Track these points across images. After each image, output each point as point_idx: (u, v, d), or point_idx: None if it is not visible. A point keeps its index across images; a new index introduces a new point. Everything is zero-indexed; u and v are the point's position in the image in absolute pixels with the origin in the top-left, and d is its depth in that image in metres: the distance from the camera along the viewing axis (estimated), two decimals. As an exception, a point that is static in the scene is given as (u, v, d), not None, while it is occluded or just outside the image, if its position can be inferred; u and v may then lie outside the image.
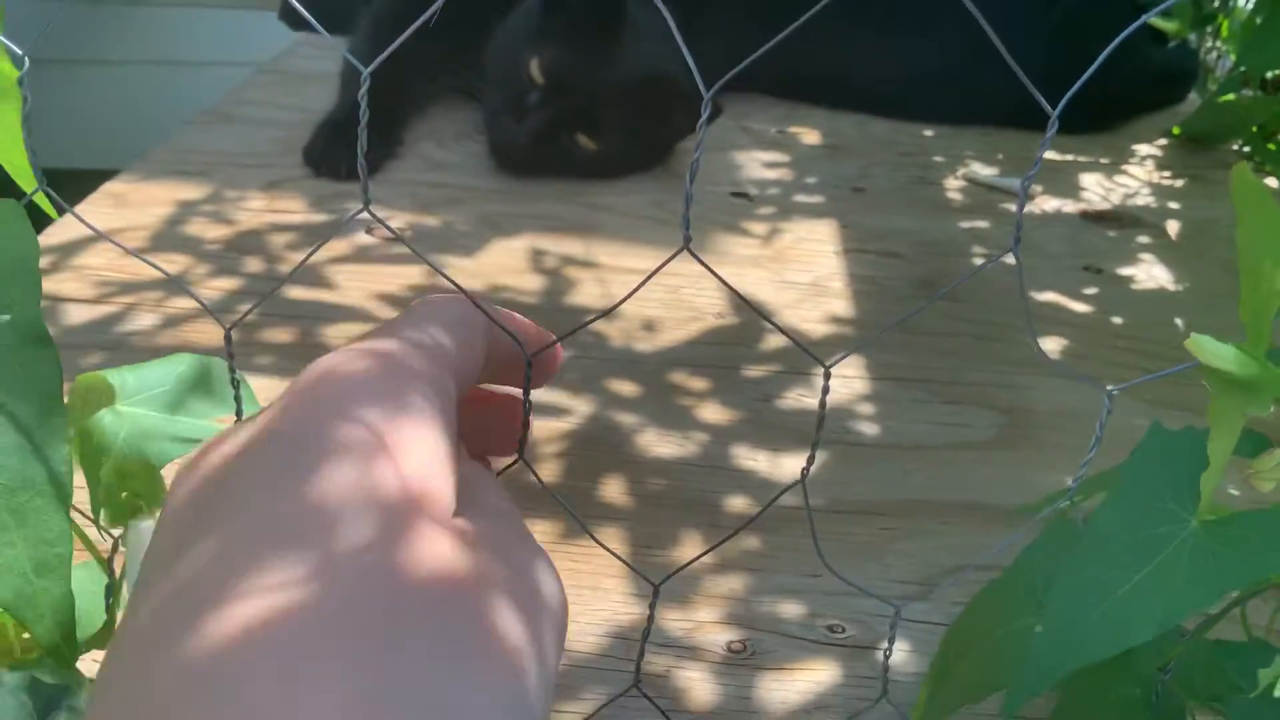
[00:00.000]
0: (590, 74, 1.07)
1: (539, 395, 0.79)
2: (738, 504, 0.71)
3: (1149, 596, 0.40)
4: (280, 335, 0.84)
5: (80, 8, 2.23)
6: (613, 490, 0.71)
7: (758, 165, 1.19)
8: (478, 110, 1.20)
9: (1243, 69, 1.33)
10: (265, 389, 0.77)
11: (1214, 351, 0.36)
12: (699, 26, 1.26)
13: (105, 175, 1.05)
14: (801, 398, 0.82)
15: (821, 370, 0.37)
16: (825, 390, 0.39)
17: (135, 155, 1.10)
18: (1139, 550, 0.41)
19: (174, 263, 0.92)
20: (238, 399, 0.44)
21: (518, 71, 1.08)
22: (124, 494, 0.40)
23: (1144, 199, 1.18)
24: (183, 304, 0.86)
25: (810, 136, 1.27)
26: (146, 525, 0.40)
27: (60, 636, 0.35)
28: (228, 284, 0.90)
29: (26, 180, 0.46)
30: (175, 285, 0.88)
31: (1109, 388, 0.42)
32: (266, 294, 0.40)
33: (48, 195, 0.41)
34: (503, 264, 0.97)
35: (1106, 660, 0.38)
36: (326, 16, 1.45)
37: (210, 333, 0.83)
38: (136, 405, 0.45)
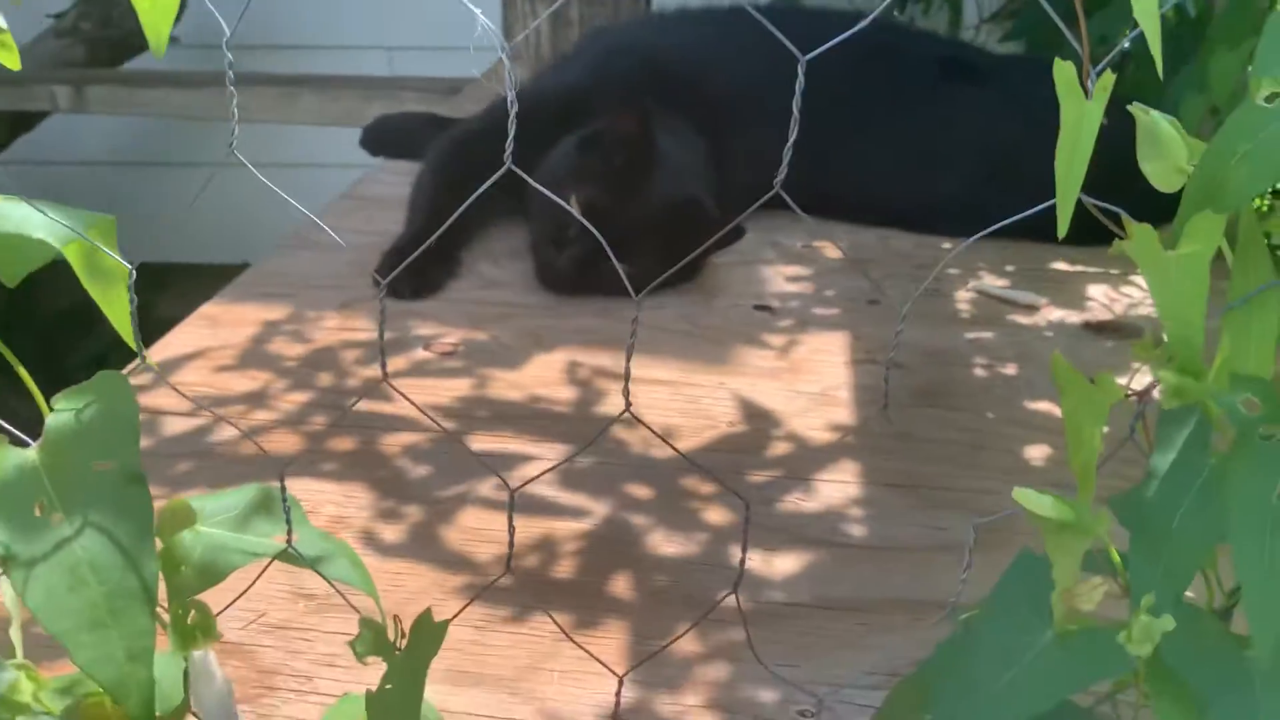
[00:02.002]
0: (624, 206, 1.20)
1: (564, 498, 0.91)
2: (731, 599, 0.80)
3: (1013, 694, 0.49)
4: (345, 444, 0.96)
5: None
6: (620, 586, 0.81)
7: (782, 279, 1.30)
8: (527, 229, 1.33)
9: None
10: (330, 493, 0.90)
11: (1036, 502, 0.46)
12: (727, 149, 1.39)
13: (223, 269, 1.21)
14: (799, 502, 0.91)
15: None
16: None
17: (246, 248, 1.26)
18: (1006, 655, 0.50)
19: (257, 379, 1.05)
20: (289, 523, 0.55)
21: (559, 205, 1.20)
22: (190, 622, 0.52)
23: (1147, 308, 1.25)
24: (263, 416, 1.00)
25: (833, 250, 1.38)
26: (201, 655, 0.52)
27: (144, 713, 0.47)
28: (301, 397, 1.03)
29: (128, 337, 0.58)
30: (255, 399, 1.01)
31: (976, 520, 0.52)
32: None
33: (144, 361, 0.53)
34: (541, 376, 1.08)
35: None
36: (401, 144, 1.61)
37: (284, 442, 0.96)
38: (211, 526, 0.57)
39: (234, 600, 0.60)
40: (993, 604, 0.52)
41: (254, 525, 0.59)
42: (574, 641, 0.60)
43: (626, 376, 0.51)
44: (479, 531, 0.86)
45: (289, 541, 0.56)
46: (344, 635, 0.75)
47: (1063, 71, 0.43)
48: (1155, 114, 0.46)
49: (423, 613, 0.54)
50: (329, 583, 0.57)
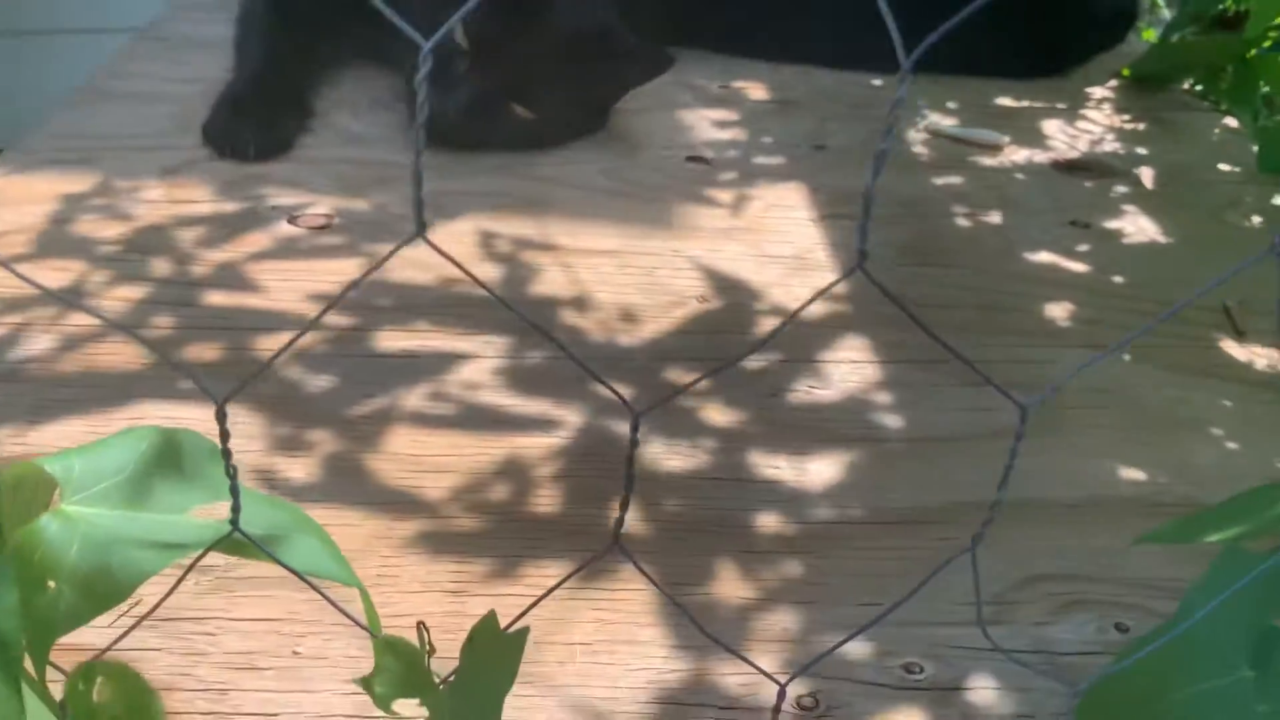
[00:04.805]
0: (520, 35, 0.96)
1: (521, 406, 0.69)
2: (770, 522, 0.62)
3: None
4: (205, 352, 0.72)
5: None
6: (626, 517, 0.62)
7: (708, 125, 1.09)
8: (393, 75, 1.07)
9: (1189, 7, 1.28)
10: (201, 420, 0.65)
11: None
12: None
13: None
14: (813, 390, 0.73)
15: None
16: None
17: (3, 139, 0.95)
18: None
19: (67, 270, 0.78)
20: (234, 490, 0.33)
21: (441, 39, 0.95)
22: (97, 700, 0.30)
23: (1110, 145, 1.12)
24: (84, 320, 0.73)
25: (756, 91, 1.18)
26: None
27: None
28: (134, 292, 0.77)
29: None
30: (68, 297, 0.75)
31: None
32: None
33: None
34: (450, 251, 0.85)
35: None
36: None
37: (124, 354, 0.70)
38: (89, 502, 0.34)
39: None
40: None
41: (158, 495, 0.36)
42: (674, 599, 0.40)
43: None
44: (417, 459, 0.64)
45: (234, 519, 0.34)
46: (262, 622, 0.53)
47: None
48: None
49: (485, 617, 0.33)
50: (304, 583, 0.35)
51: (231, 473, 0.31)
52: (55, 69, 1.87)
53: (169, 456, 0.36)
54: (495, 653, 0.32)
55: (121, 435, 0.36)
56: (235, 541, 0.33)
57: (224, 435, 0.31)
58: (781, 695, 0.36)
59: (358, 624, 0.33)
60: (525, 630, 0.32)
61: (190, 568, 0.34)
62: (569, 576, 0.36)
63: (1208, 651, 0.38)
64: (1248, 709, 0.37)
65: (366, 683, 0.32)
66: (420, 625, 0.34)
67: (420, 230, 0.29)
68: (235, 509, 0.32)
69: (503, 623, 0.35)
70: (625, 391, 0.72)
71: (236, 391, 0.31)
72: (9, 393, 0.66)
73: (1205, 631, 0.38)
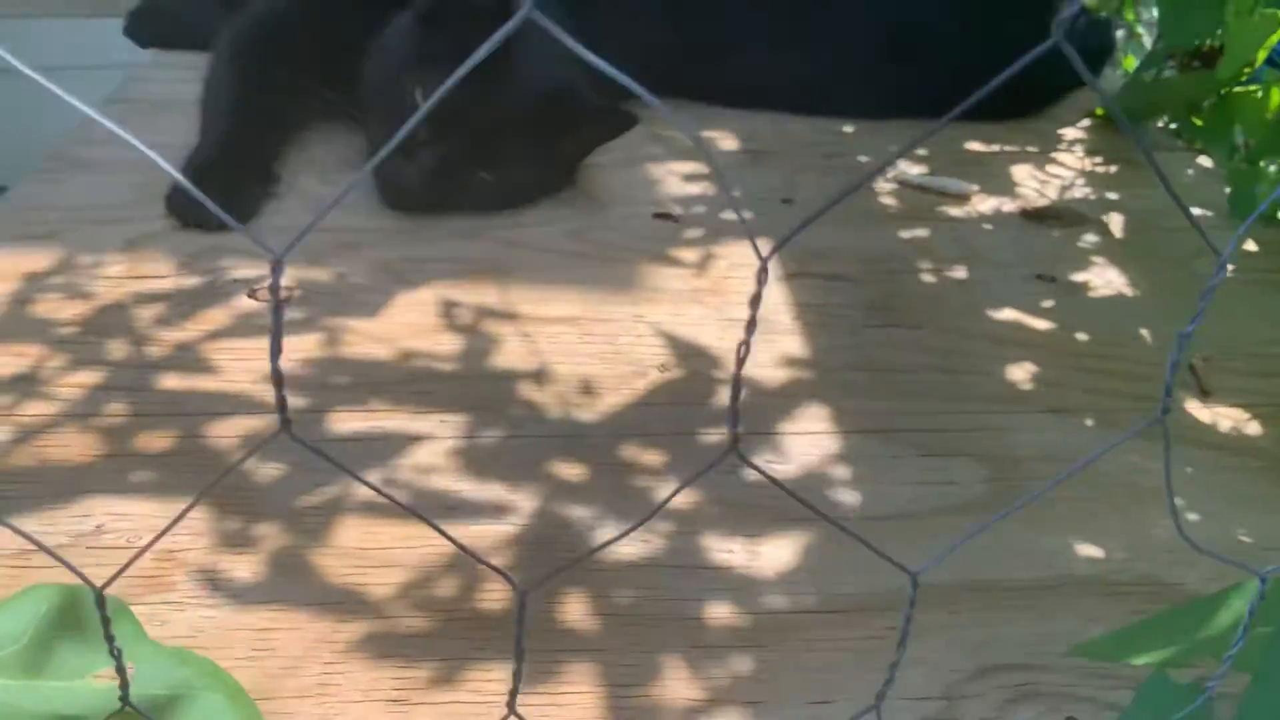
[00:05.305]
0: (483, 98, 0.95)
1: (472, 491, 0.69)
2: (721, 613, 0.62)
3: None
4: (157, 441, 0.71)
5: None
6: (575, 610, 0.61)
7: (677, 179, 1.09)
8: (359, 134, 1.07)
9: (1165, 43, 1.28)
10: (148, 516, 0.65)
11: None
12: (593, 28, 1.15)
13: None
14: (770, 465, 0.73)
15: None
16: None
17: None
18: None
19: (24, 355, 0.78)
20: (120, 670, 0.32)
21: (401, 101, 0.95)
22: None
23: (1081, 190, 1.12)
24: (37, 409, 0.73)
25: (728, 141, 1.18)
26: None
27: None
28: (89, 378, 0.76)
29: None
30: (23, 385, 0.74)
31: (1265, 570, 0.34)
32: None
33: None
34: (411, 323, 0.85)
35: None
36: (178, 30, 1.29)
37: (75, 445, 0.70)
38: (-18, 676, 0.34)
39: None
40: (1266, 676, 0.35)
41: (57, 659, 0.35)
42: None
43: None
44: (365, 553, 0.64)
45: (124, 690, 0.33)
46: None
47: None
48: None
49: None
50: (199, 744, 0.35)
51: (117, 654, 0.31)
52: (49, 108, 1.87)
53: (71, 616, 0.36)
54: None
55: (22, 596, 0.36)
56: (130, 715, 0.33)
57: (105, 621, 0.30)
58: None
59: (255, 794, 0.33)
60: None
61: (83, 743, 0.34)
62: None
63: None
64: None
65: None
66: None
67: (285, 426, 0.28)
68: (123, 685, 0.32)
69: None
70: (580, 472, 0.71)
71: (114, 579, 0.30)
72: (-42, 491, 0.66)
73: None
